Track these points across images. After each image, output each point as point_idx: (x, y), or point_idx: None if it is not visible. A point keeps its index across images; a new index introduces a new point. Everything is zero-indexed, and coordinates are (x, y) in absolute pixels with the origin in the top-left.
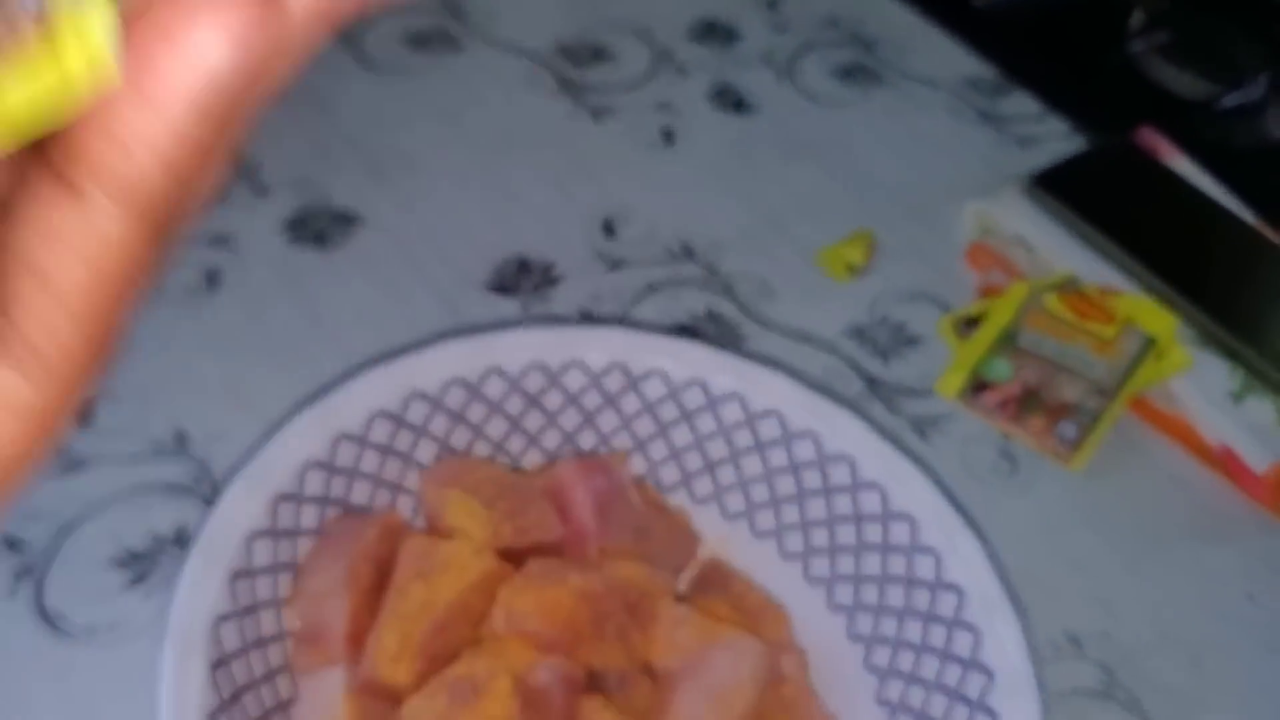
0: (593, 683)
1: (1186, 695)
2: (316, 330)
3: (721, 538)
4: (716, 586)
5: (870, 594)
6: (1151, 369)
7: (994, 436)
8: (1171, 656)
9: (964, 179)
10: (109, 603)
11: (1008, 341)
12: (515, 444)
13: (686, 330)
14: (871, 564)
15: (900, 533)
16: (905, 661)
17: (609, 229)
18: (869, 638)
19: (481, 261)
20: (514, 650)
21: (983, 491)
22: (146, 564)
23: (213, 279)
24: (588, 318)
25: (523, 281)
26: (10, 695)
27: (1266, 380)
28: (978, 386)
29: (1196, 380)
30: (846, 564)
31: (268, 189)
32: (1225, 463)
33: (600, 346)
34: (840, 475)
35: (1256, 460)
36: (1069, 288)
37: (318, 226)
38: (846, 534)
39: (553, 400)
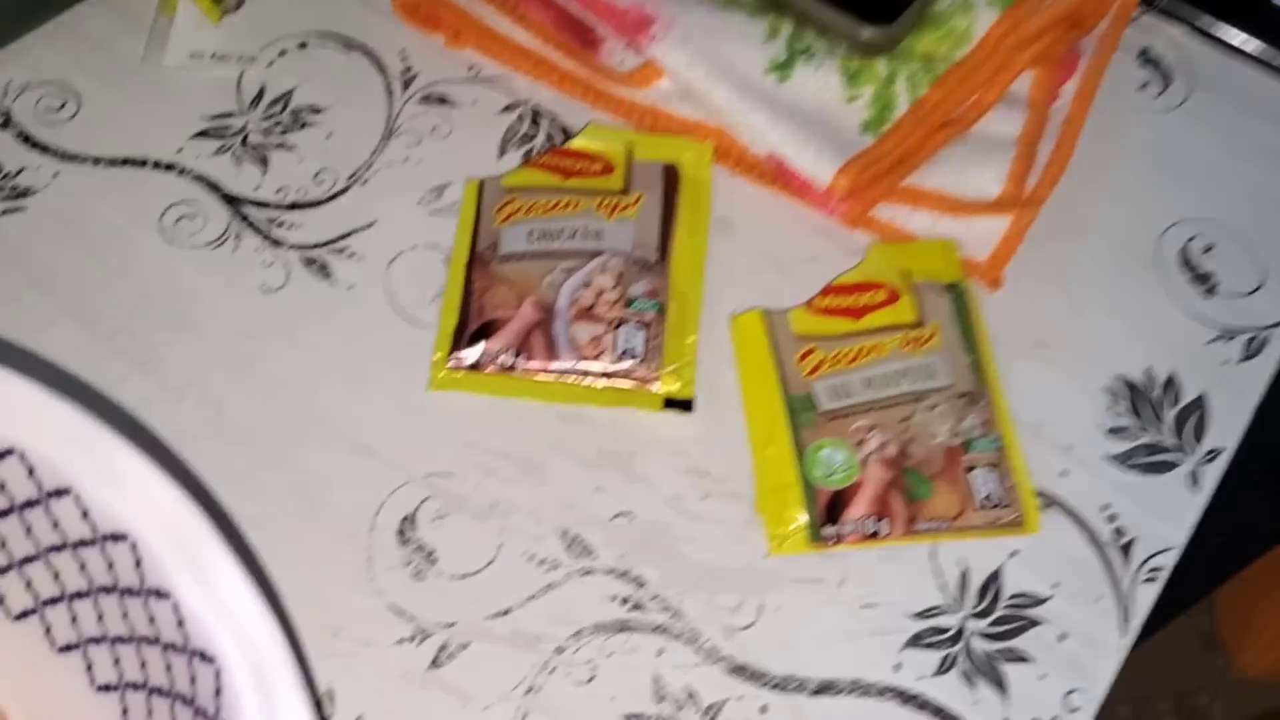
0: None
1: (746, 583)
2: None
3: None
4: None
5: (131, 666)
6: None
7: (437, 249)
8: (720, 522)
9: None
10: None
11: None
12: None
13: None
14: (114, 617)
15: (125, 563)
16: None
17: None
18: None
19: None
20: None
21: (420, 339)
22: None
23: None
24: None
25: None
26: None
27: (822, 27)
28: (829, 505)
29: (717, 60)
30: (89, 619)
31: None
32: (780, 180)
33: None
34: (18, 480)
35: (819, 167)
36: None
37: None
38: (71, 572)
39: None
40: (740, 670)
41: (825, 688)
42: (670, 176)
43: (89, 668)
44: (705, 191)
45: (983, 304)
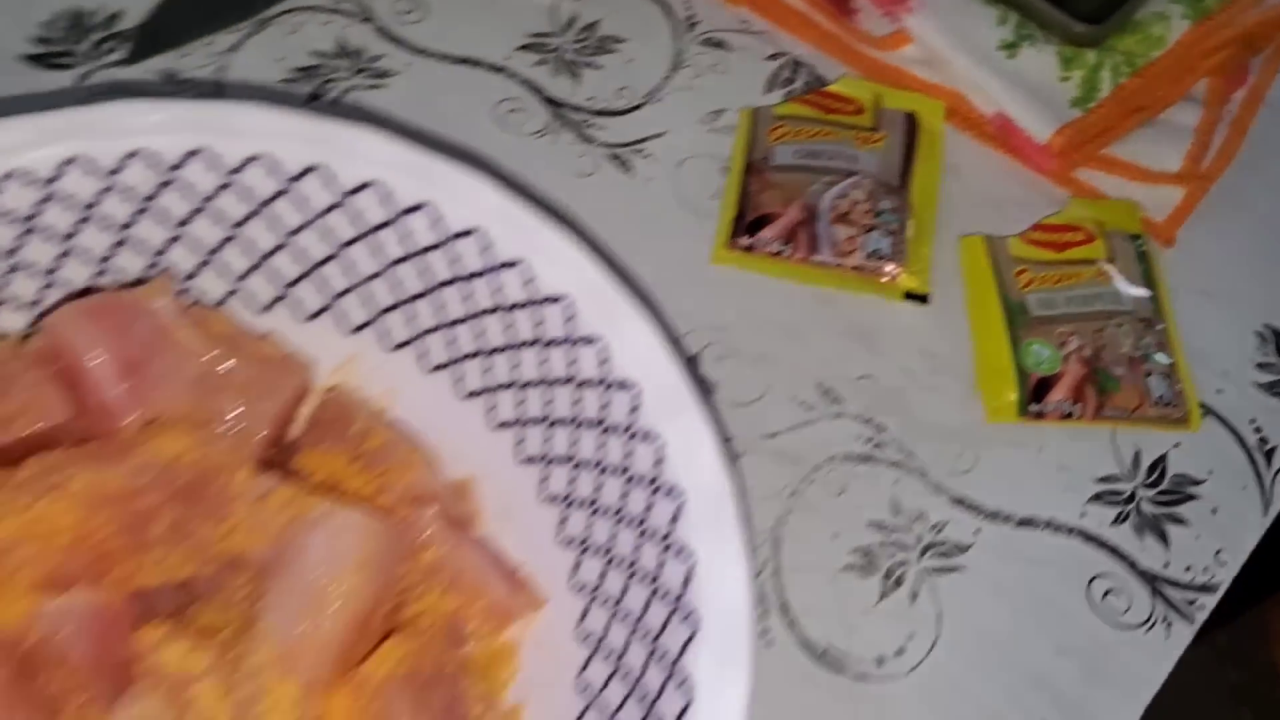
0: (148, 608)
1: (963, 435)
2: None
3: (346, 357)
4: (333, 429)
5: (536, 403)
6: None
7: (714, 159)
8: (945, 391)
9: None
10: None
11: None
12: (23, 287)
13: (309, 73)
14: (530, 365)
15: (555, 320)
16: (584, 486)
17: None
18: (540, 458)
19: (16, 25)
20: (5, 599)
21: (700, 226)
22: None
23: None
24: (173, 80)
25: (74, 43)
26: None
27: (1043, 23)
28: (1035, 388)
29: (960, 35)
30: (503, 368)
31: None
32: (1004, 135)
33: (113, 129)
34: (471, 255)
35: (1038, 125)
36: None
37: None
38: (495, 330)
39: (58, 217)
40: (960, 501)
41: (1026, 522)
42: (910, 123)
43: (491, 409)
44: (938, 140)
45: (1157, 256)
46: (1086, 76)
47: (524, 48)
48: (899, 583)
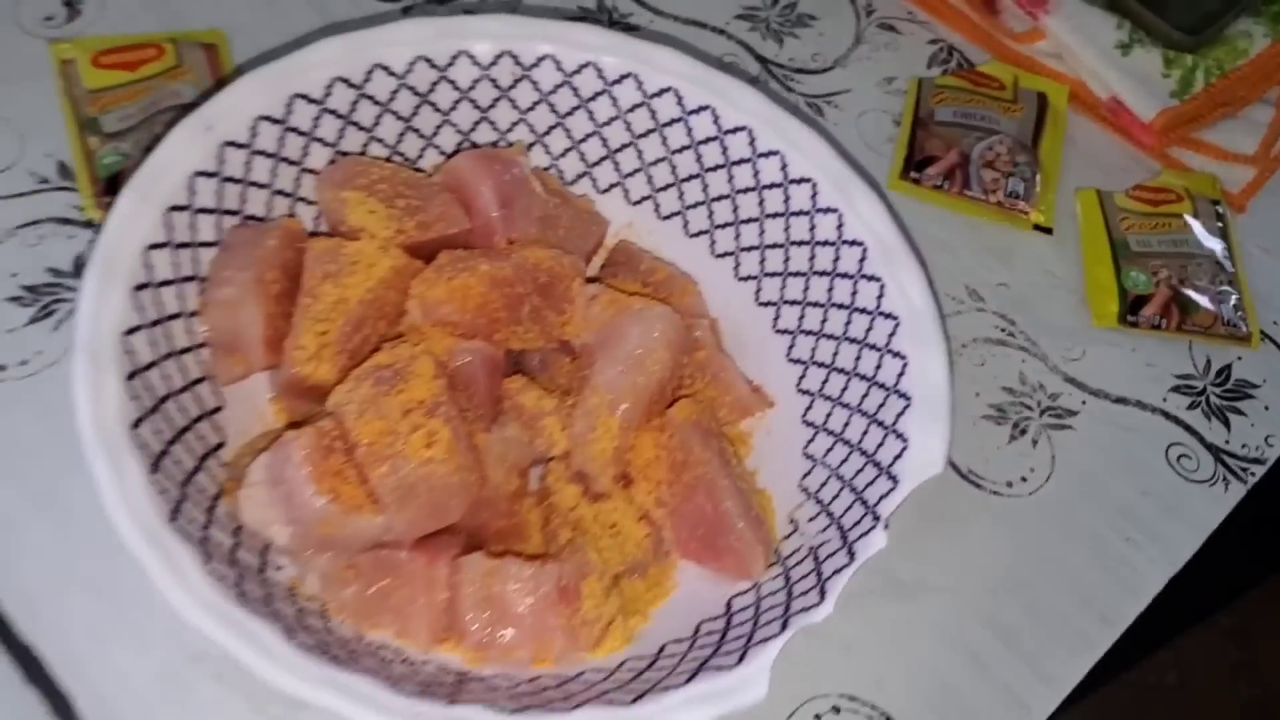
0: (514, 365)
1: (1074, 333)
2: None
3: (627, 222)
4: (625, 266)
5: (775, 260)
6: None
7: (890, 114)
8: (1061, 300)
9: None
10: (16, 339)
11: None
12: (410, 144)
13: (589, 13)
14: (775, 231)
15: (801, 197)
16: (812, 320)
17: None
18: (777, 301)
19: None
20: (434, 339)
21: (877, 161)
22: (47, 297)
23: (71, 5)
24: (471, 11)
25: None
26: None
27: (1150, 31)
28: (1132, 303)
29: (1086, 35)
30: (751, 234)
31: None
32: (1114, 115)
33: (485, 34)
34: (739, 147)
35: (1143, 107)
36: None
37: None
38: (749, 205)
39: (444, 96)
40: (1070, 380)
41: (1120, 400)
42: (1041, 100)
43: (736, 265)
44: (1061, 115)
45: (1231, 219)
46: (1184, 75)
47: (739, 17)
48: (1023, 431)
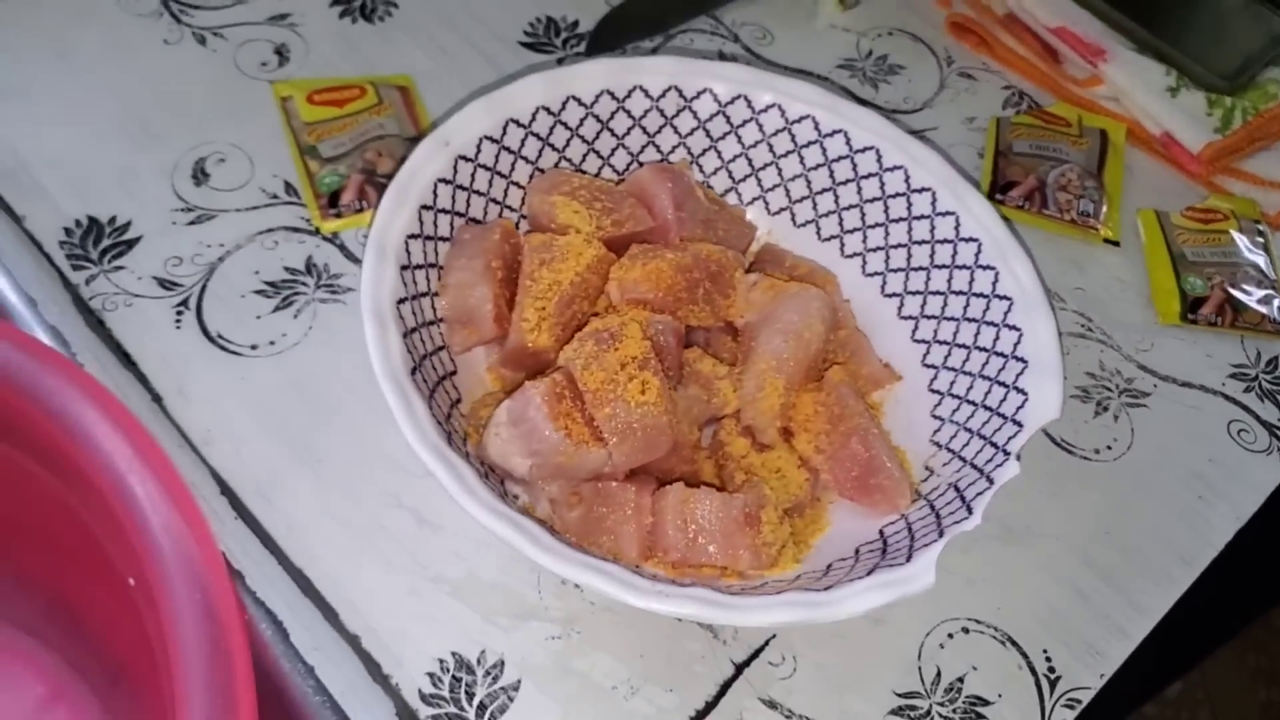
0: (689, 339)
1: (1143, 329)
2: None
3: (767, 230)
4: (772, 263)
5: (899, 258)
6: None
7: (973, 148)
8: (1130, 302)
9: None
10: (263, 324)
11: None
12: (591, 163)
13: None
14: (899, 233)
15: (922, 203)
16: (933, 306)
17: None
18: (901, 293)
19: (513, 22)
20: (633, 313)
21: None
22: (286, 290)
23: (281, 54)
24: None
25: (552, 38)
26: (203, 403)
27: (1194, 78)
28: (1191, 304)
29: (1139, 80)
30: (876, 237)
31: None
32: (1166, 148)
33: (658, 71)
34: (867, 164)
35: (1192, 141)
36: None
37: (364, 2)
38: (875, 212)
39: (620, 123)
40: (1142, 367)
41: (1185, 384)
42: (1103, 136)
43: (864, 264)
44: (1121, 149)
45: (1271, 236)
46: (1225, 114)
47: (839, 66)
48: (1105, 409)
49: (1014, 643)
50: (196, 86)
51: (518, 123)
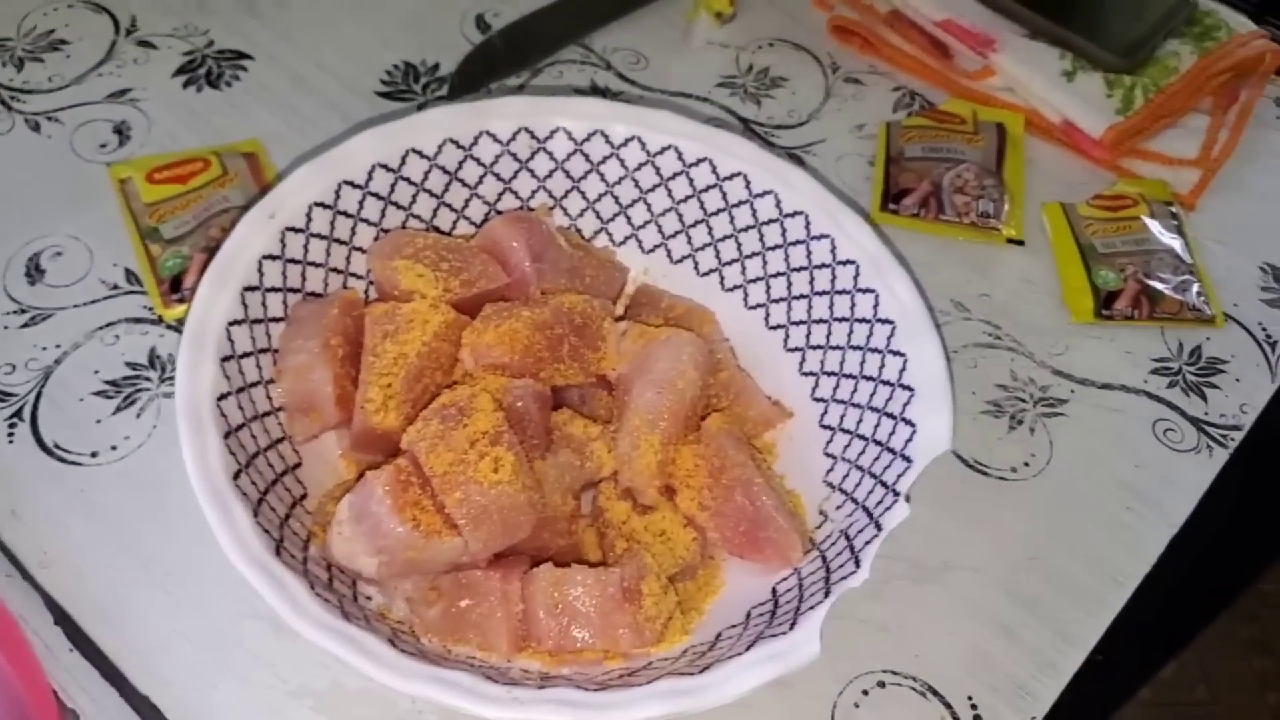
0: (558, 399)
1: (1056, 331)
2: None
3: (643, 269)
4: (648, 306)
5: (779, 287)
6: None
7: (864, 157)
8: (1040, 303)
9: None
10: (104, 428)
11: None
12: (444, 218)
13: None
14: (776, 261)
15: (796, 228)
16: (818, 335)
17: (481, 24)
18: (785, 324)
19: (368, 72)
20: (487, 381)
21: (857, 200)
22: (128, 389)
23: (121, 132)
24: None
25: (411, 84)
26: (39, 523)
27: (1090, 59)
28: (1105, 299)
29: (1033, 67)
30: (755, 267)
31: (153, 42)
32: (1067, 135)
33: (504, 114)
34: (737, 191)
35: (1093, 126)
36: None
37: (208, 68)
38: (751, 241)
39: (470, 172)
40: (1058, 372)
41: (1105, 385)
42: (1000, 130)
43: (745, 297)
44: (1020, 141)
45: (1184, 217)
46: (1125, 94)
47: (719, 85)
48: (1020, 422)
49: (935, 693)
50: (29, 176)
51: (353, 184)
